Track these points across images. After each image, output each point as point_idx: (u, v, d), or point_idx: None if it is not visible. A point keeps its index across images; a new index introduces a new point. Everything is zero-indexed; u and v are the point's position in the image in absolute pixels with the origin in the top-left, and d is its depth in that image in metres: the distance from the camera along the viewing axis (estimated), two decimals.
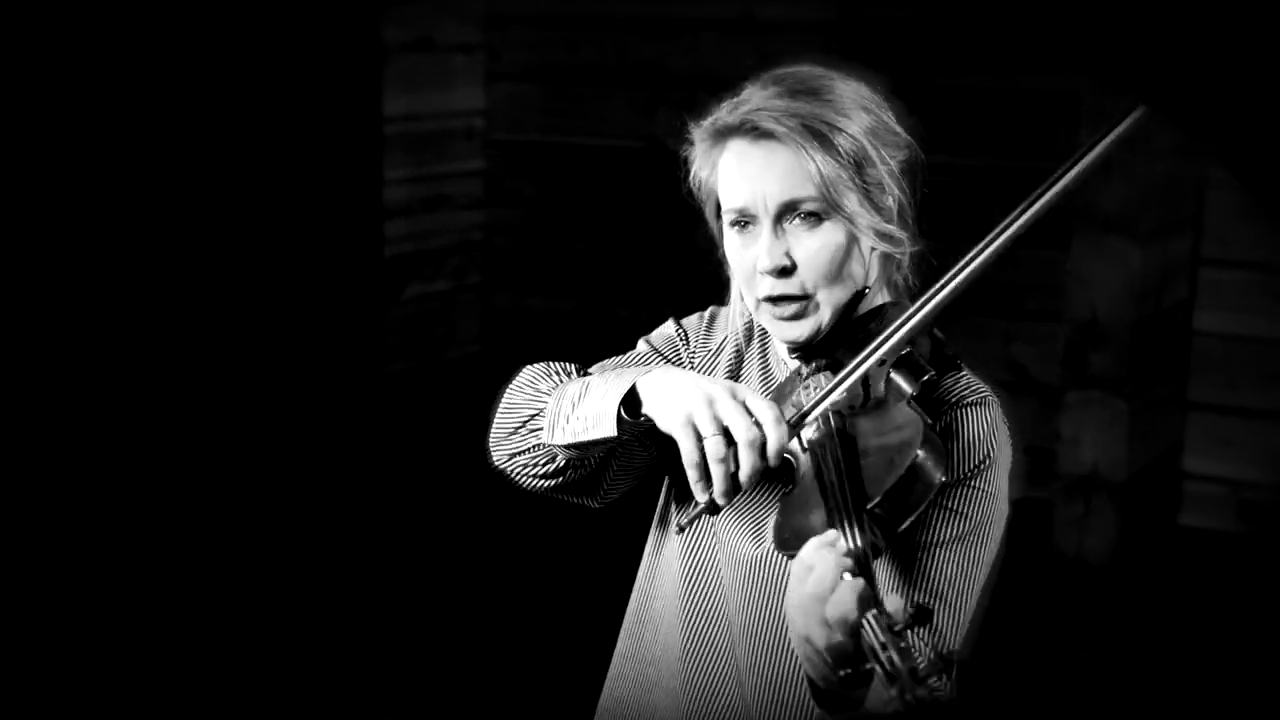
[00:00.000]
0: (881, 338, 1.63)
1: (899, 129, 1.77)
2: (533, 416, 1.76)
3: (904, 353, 1.66)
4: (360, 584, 4.07)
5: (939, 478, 1.55)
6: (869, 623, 1.37)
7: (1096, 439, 3.76)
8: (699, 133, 1.78)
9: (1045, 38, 3.97)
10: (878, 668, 1.35)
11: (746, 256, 1.71)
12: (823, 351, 1.72)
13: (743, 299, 1.80)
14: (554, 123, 4.83)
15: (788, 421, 1.58)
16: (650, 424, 1.62)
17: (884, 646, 1.34)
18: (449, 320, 4.87)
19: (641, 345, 1.88)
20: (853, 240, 1.71)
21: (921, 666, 1.32)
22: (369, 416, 4.37)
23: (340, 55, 4.48)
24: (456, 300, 4.91)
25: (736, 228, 1.73)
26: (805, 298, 1.70)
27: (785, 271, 1.69)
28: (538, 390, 1.78)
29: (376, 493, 4.30)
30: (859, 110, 1.72)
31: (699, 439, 1.54)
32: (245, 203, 4.34)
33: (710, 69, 4.44)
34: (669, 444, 1.59)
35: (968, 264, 1.66)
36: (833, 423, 1.61)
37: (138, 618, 3.79)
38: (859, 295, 1.73)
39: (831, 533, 1.48)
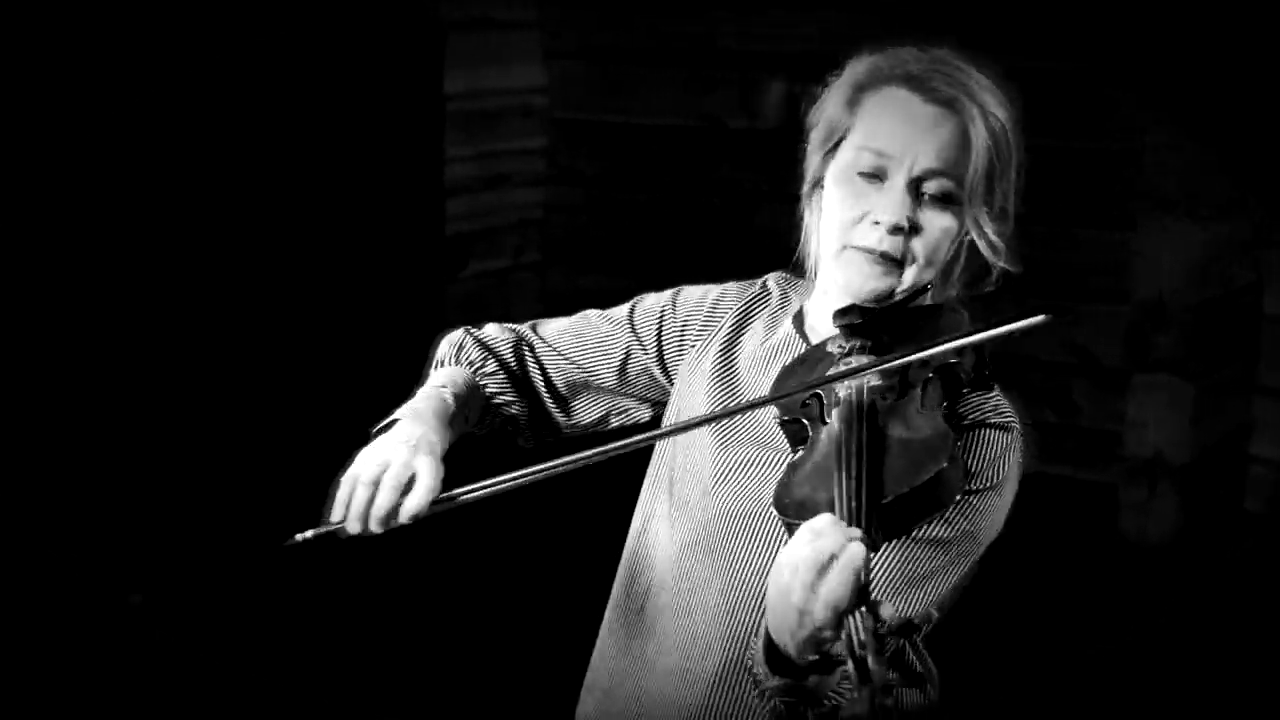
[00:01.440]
0: (943, 342, 1.60)
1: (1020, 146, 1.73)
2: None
3: (951, 362, 1.64)
4: (403, 572, 4.09)
5: (955, 497, 1.53)
6: (856, 618, 1.34)
7: (1161, 422, 3.71)
8: (843, 81, 1.72)
9: (1096, 19, 3.91)
10: (850, 664, 1.32)
11: (859, 204, 1.67)
12: (868, 330, 1.69)
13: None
14: (613, 101, 4.82)
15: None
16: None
17: (863, 646, 1.31)
18: (507, 298, 4.88)
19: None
20: (962, 235, 1.70)
21: (893, 679, 1.29)
22: None
23: (400, 34, 4.49)
24: (514, 278, 4.91)
25: (861, 174, 1.68)
26: (900, 264, 1.68)
27: (899, 231, 1.66)
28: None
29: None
30: (1002, 105, 1.69)
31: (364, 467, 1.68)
32: (306, 182, 4.37)
33: (772, 45, 4.41)
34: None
35: (1034, 320, 1.60)
36: (864, 400, 1.58)
37: (175, 613, 3.83)
38: (923, 287, 1.72)
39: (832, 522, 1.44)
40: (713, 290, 1.91)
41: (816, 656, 1.40)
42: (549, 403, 1.93)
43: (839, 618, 1.35)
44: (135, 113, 3.94)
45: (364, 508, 1.65)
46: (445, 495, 1.66)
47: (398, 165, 4.55)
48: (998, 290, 1.77)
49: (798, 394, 1.63)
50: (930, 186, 1.66)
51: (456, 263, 4.71)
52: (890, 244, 1.67)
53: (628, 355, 1.91)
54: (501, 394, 1.90)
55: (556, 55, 4.88)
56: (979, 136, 1.65)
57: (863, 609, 1.34)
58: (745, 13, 4.53)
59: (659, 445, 1.86)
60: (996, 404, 1.71)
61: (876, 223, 1.67)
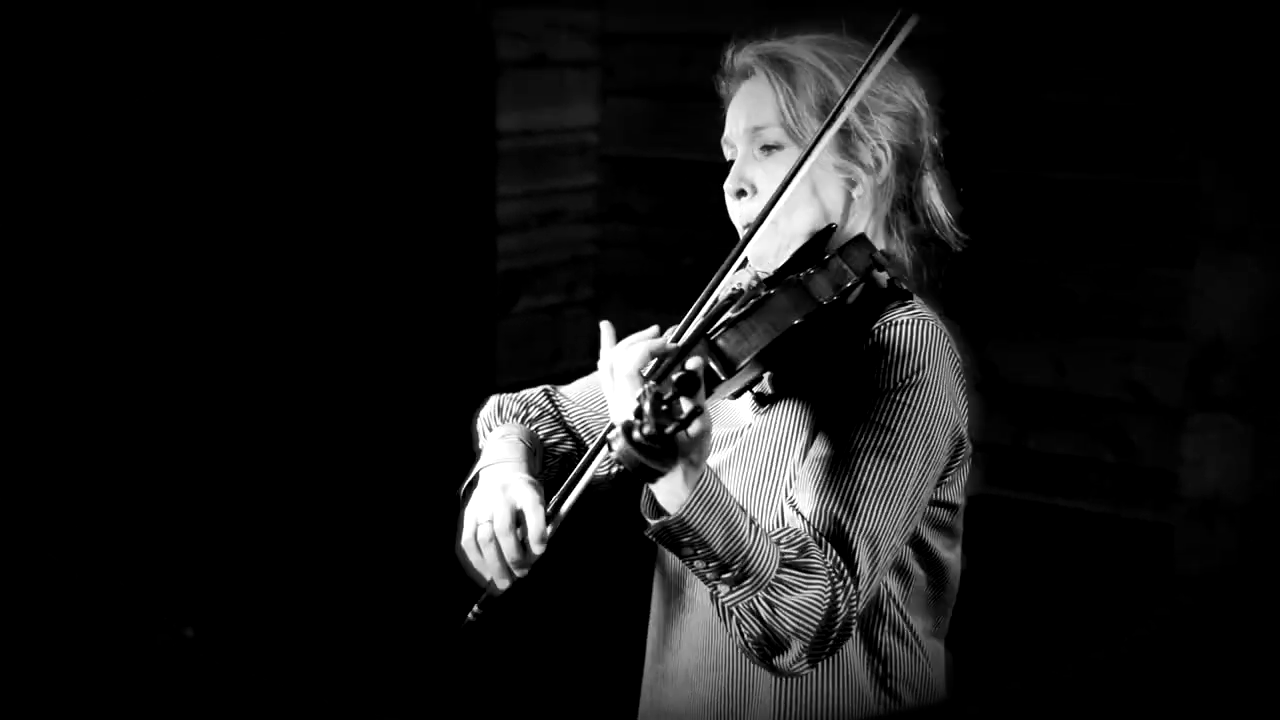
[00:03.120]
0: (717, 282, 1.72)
1: (897, 92, 1.80)
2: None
3: (792, 279, 1.70)
4: (441, 595, 4.09)
5: (791, 320, 1.63)
6: (645, 390, 1.46)
7: (1220, 462, 3.66)
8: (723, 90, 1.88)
9: (1154, 54, 3.89)
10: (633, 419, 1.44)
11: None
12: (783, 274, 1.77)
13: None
14: (666, 139, 4.83)
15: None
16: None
17: (644, 395, 1.44)
18: (559, 334, 4.89)
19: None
20: (822, 171, 1.75)
21: (666, 415, 1.43)
22: None
23: (456, 72, 4.53)
24: (567, 314, 4.92)
25: (730, 161, 1.83)
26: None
27: (742, 194, 1.80)
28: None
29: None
30: (820, 46, 1.81)
31: (475, 528, 1.70)
32: (360, 218, 4.40)
33: None
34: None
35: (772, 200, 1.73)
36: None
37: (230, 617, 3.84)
38: (828, 230, 1.77)
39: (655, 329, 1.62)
40: None
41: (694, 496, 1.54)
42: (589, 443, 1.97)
43: (615, 388, 1.56)
44: (190, 142, 3.99)
45: (498, 563, 1.67)
46: (553, 503, 1.69)
47: (451, 202, 4.58)
48: (957, 256, 1.83)
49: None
50: (755, 143, 1.79)
51: (508, 299, 4.72)
52: (745, 209, 1.79)
53: None
54: (553, 434, 1.95)
55: (610, 93, 4.91)
56: (779, 80, 1.77)
57: (650, 384, 1.47)
58: None
59: None
60: (912, 307, 1.75)
61: (728, 193, 1.82)
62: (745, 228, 1.77)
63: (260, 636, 3.83)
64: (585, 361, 5.71)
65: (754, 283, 1.72)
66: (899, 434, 1.65)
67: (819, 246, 1.76)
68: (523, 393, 2.00)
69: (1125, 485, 4.10)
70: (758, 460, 1.76)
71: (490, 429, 1.94)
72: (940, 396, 1.68)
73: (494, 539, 1.67)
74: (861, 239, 1.76)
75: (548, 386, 2.02)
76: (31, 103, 3.67)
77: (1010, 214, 4.13)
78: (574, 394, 2.01)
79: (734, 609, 1.57)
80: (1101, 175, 4.08)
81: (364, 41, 4.31)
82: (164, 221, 3.96)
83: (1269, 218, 3.66)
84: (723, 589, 1.58)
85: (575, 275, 4.95)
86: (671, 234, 4.86)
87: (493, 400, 1.98)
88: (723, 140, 1.85)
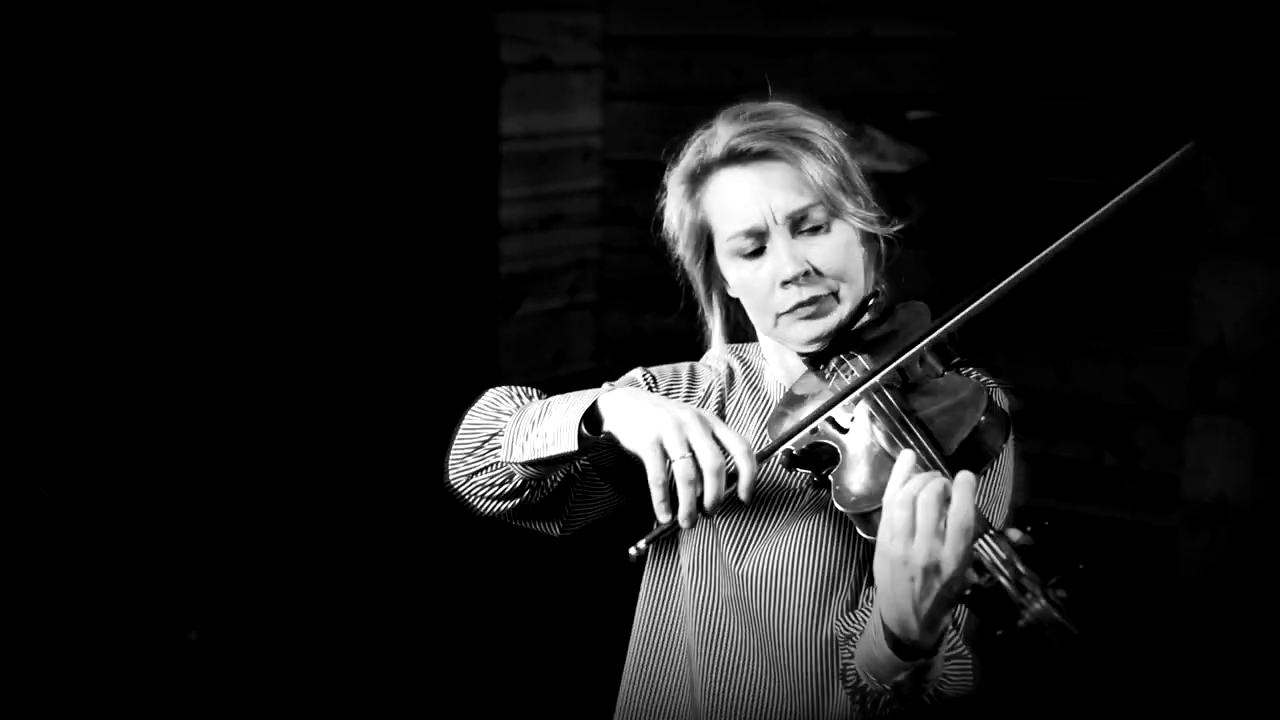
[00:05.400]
0: (940, 324, 1.67)
1: (833, 125, 1.79)
2: (492, 436, 1.74)
3: (940, 341, 1.71)
4: (450, 599, 4.09)
5: (1001, 444, 1.61)
6: (987, 543, 1.39)
7: (1222, 467, 3.66)
8: (675, 177, 1.83)
9: (1156, 59, 3.89)
10: (1004, 579, 1.36)
11: (762, 276, 1.73)
12: (840, 349, 1.75)
13: (736, 327, 1.86)
14: (668, 142, 4.83)
15: (779, 441, 1.62)
16: (612, 441, 1.60)
17: (1006, 560, 1.36)
18: (562, 337, 4.89)
19: (606, 386, 1.81)
20: (855, 237, 1.75)
21: (1052, 581, 1.34)
22: None
23: (459, 75, 4.53)
24: (569, 318, 4.93)
25: (744, 255, 1.74)
26: (831, 295, 1.73)
27: (808, 276, 1.71)
28: (499, 411, 1.77)
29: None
30: (809, 117, 1.77)
31: (665, 459, 1.53)
32: (363, 221, 4.40)
33: (826, 88, 4.41)
34: (634, 467, 1.59)
35: (1015, 278, 1.71)
36: (884, 394, 1.64)
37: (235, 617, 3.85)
38: (869, 298, 1.78)
39: (913, 467, 1.50)
40: (681, 367, 1.90)
41: (943, 629, 1.46)
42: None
43: (970, 547, 1.40)
44: (196, 145, 4.00)
45: (692, 506, 1.53)
46: (762, 449, 1.61)
47: (454, 205, 4.59)
48: (902, 251, 1.83)
49: (814, 420, 1.67)
50: (801, 224, 1.72)
51: (511, 303, 4.73)
52: (808, 290, 1.72)
53: None
54: None
55: (613, 97, 4.91)
56: (809, 161, 1.71)
57: (989, 533, 1.40)
58: (801, 53, 4.54)
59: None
60: (978, 375, 1.77)
61: (785, 283, 1.71)
62: (810, 306, 1.72)
63: (264, 639, 3.83)
64: (588, 366, 5.72)
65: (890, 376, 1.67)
66: (989, 499, 1.72)
67: (861, 313, 1.78)
68: (511, 388, 1.85)
69: (1127, 489, 4.10)
70: (829, 530, 1.74)
71: (524, 402, 1.77)
72: (1010, 457, 1.76)
73: (697, 480, 1.51)
74: (913, 303, 1.81)
75: (529, 390, 1.86)
76: (50, 99, 3.68)
77: (1012, 218, 4.13)
78: None
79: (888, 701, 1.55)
80: (1103, 180, 4.07)
81: (368, 45, 4.32)
82: (170, 225, 3.97)
83: (1272, 222, 3.65)
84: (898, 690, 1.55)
85: (578, 279, 4.95)
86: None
87: (499, 390, 1.83)
88: (730, 232, 1.74)
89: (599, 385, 1.77)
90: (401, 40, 4.39)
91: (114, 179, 3.84)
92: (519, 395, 1.80)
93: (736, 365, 1.87)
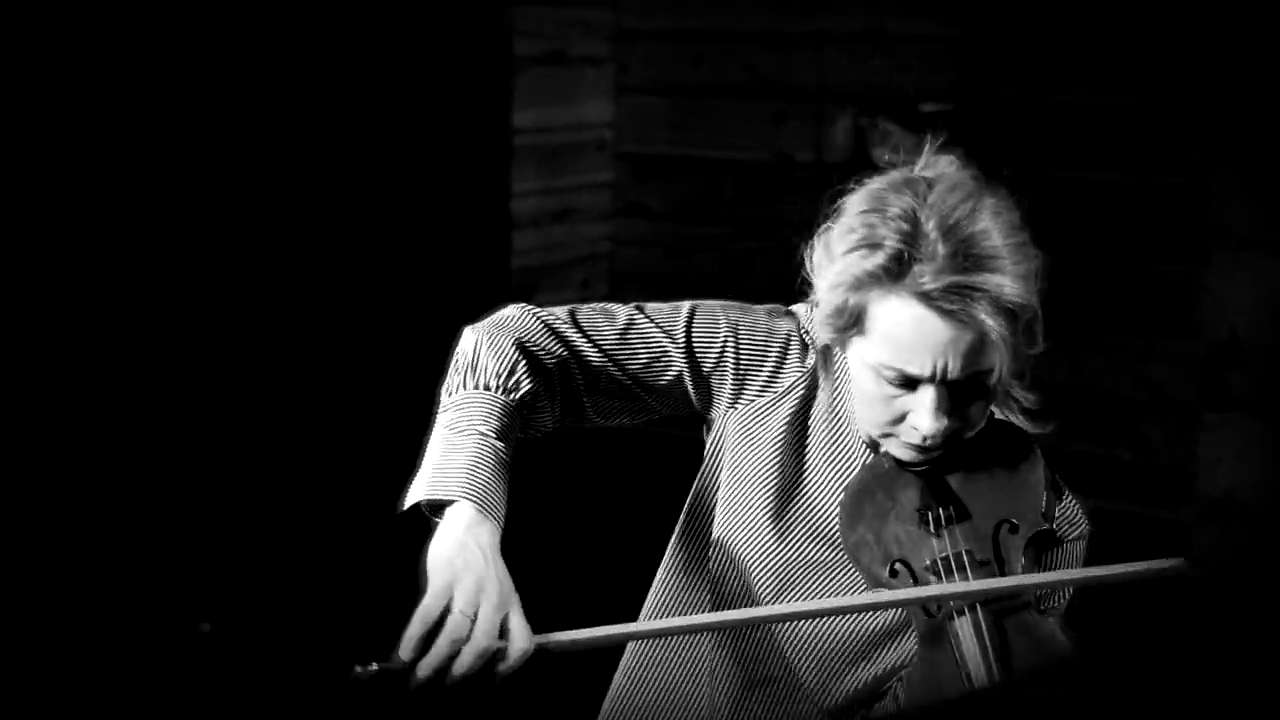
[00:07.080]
0: (1053, 578, 1.68)
1: (1033, 251, 1.64)
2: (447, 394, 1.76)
3: (1042, 530, 1.68)
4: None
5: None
6: None
7: (1234, 462, 3.65)
8: (856, 258, 1.60)
9: (1166, 54, 3.88)
10: None
11: (895, 406, 1.61)
12: (946, 498, 1.68)
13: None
14: (681, 136, 4.83)
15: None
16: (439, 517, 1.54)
17: None
18: None
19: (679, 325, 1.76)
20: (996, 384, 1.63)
21: None
22: None
23: (472, 68, 4.53)
24: None
25: (888, 380, 1.60)
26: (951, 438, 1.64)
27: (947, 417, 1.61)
28: (473, 368, 1.78)
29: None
30: (1018, 255, 1.60)
31: (446, 607, 1.43)
32: (376, 214, 4.41)
33: (837, 82, 4.41)
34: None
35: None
36: (982, 618, 1.61)
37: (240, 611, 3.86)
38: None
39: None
40: (775, 340, 1.74)
41: None
42: (585, 402, 1.79)
43: None
44: (207, 140, 4.00)
45: (441, 663, 1.42)
46: (551, 640, 1.48)
47: (466, 198, 4.59)
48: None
49: (912, 602, 1.63)
50: (961, 381, 1.59)
51: (523, 296, 4.73)
52: (933, 440, 1.62)
53: (678, 377, 1.75)
54: (535, 402, 1.74)
55: (626, 90, 4.91)
56: (1003, 330, 1.55)
57: None
58: (813, 47, 4.53)
59: (687, 544, 1.82)
60: (1071, 514, 1.76)
61: (916, 428, 1.61)
62: (924, 446, 1.63)
63: (276, 632, 3.84)
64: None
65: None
66: None
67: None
68: (520, 329, 1.78)
69: (1141, 484, 4.10)
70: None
71: (467, 379, 1.74)
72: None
73: (461, 644, 1.41)
74: (1013, 427, 1.77)
75: (563, 324, 1.79)
76: (63, 100, 3.69)
77: (1024, 213, 4.12)
78: (596, 333, 1.79)
79: None
80: (1116, 175, 4.07)
81: (380, 38, 4.32)
82: (180, 220, 3.98)
83: None
84: None
85: (590, 272, 4.95)
86: (686, 231, 4.86)
87: (482, 335, 1.75)
88: (889, 362, 1.58)
89: None
90: (414, 34, 4.39)
91: (114, 179, 3.85)
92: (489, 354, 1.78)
93: (822, 370, 1.73)
